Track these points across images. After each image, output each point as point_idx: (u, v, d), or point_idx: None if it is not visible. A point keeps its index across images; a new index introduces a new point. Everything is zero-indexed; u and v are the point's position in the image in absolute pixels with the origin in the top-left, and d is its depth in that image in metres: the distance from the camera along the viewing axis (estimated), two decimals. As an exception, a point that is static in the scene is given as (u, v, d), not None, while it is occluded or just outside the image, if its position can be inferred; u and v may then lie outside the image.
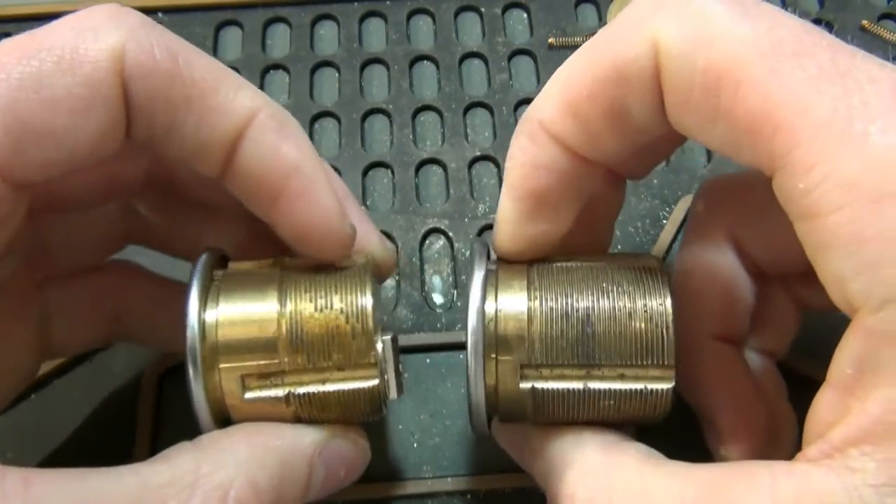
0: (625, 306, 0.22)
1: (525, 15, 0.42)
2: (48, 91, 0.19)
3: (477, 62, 0.40)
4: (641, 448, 0.21)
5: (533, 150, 0.22)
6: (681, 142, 0.25)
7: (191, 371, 0.22)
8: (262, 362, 0.22)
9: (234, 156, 0.22)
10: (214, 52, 0.41)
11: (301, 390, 0.22)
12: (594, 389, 0.22)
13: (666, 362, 0.22)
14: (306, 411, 0.23)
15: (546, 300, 0.22)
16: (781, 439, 0.25)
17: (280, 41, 0.41)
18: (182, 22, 0.41)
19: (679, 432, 0.24)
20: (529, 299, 0.23)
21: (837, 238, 0.17)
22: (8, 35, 0.41)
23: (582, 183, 0.23)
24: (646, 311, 0.22)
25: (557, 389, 0.22)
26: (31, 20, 0.41)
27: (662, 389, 0.22)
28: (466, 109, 0.38)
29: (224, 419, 0.23)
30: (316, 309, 0.23)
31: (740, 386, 0.25)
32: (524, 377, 0.22)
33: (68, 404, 0.31)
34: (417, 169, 0.37)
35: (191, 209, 0.27)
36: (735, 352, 0.26)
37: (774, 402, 0.26)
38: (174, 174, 0.26)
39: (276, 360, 0.22)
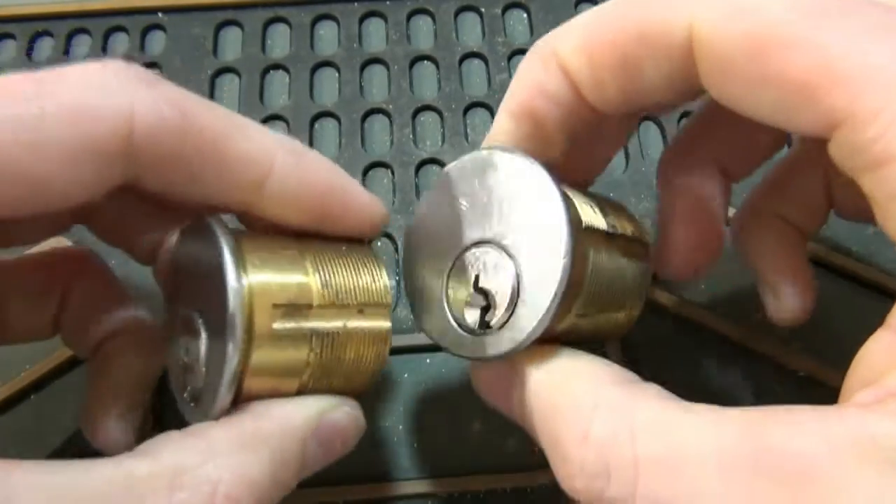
0: None
1: (525, 15, 0.42)
2: (43, 136, 0.19)
3: (477, 62, 0.40)
4: (658, 388, 0.20)
5: (542, 75, 0.22)
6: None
7: (238, 316, 0.21)
8: (293, 295, 0.22)
9: (265, 190, 0.22)
10: (214, 52, 0.41)
11: (325, 327, 0.23)
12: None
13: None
14: (320, 364, 0.23)
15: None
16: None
17: (280, 41, 0.41)
18: (182, 22, 0.41)
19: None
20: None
21: None
22: (9, 35, 0.41)
23: (576, 122, 0.23)
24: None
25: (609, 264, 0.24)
26: (32, 20, 0.41)
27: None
28: (466, 109, 0.39)
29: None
30: (338, 255, 0.24)
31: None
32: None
33: (68, 404, 0.31)
34: (417, 169, 0.37)
35: (152, 212, 0.26)
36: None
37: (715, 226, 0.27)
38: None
39: (308, 295, 0.23)
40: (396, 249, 0.35)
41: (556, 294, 0.21)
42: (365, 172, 0.37)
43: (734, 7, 0.19)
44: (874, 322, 0.18)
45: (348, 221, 0.24)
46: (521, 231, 0.22)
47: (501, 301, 0.23)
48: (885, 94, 0.17)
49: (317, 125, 0.38)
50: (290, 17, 0.41)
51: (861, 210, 0.19)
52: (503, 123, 0.24)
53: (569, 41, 0.22)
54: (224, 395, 0.21)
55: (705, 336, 0.32)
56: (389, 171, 0.37)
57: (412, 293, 0.25)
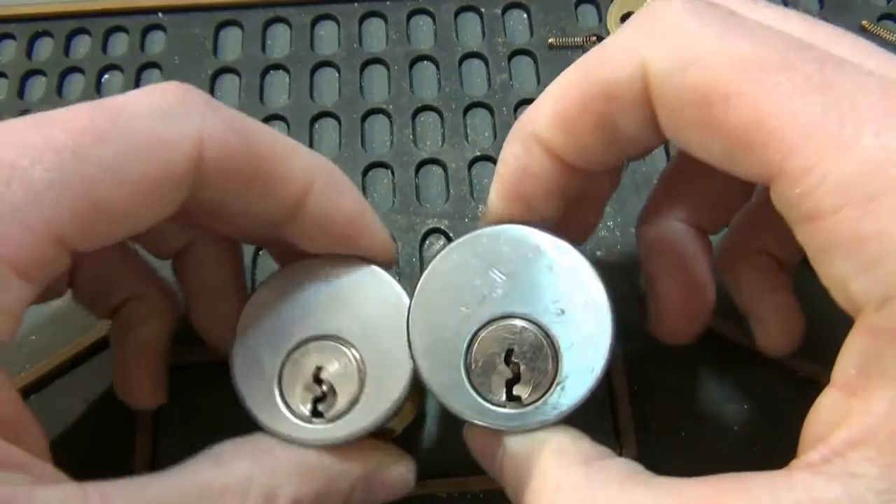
0: None
1: (525, 15, 0.42)
2: (123, 175, 0.20)
3: (477, 62, 0.40)
4: (624, 464, 0.21)
5: (525, 159, 0.23)
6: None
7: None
8: None
9: (300, 210, 0.23)
10: (214, 52, 0.41)
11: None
12: None
13: None
14: (402, 413, 0.26)
15: None
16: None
17: (280, 41, 0.41)
18: (182, 22, 0.41)
19: (674, 443, 0.24)
20: None
21: (837, 239, 0.17)
22: (9, 35, 0.41)
23: (569, 186, 0.24)
24: None
25: None
26: (32, 20, 0.41)
27: None
28: (466, 109, 0.38)
29: None
30: None
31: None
32: None
33: (68, 404, 0.31)
34: (417, 169, 0.37)
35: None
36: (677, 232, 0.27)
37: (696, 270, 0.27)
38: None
39: None
40: (397, 250, 0.35)
41: (595, 383, 0.23)
42: (365, 172, 0.37)
43: (681, 59, 0.19)
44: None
45: (364, 250, 0.25)
46: (565, 318, 0.23)
47: (539, 381, 0.23)
48: (814, 153, 0.17)
49: (317, 125, 0.38)
50: (290, 17, 0.41)
51: None
52: (496, 206, 0.25)
53: (543, 119, 0.23)
54: (373, 427, 0.24)
55: (705, 337, 0.32)
56: (389, 171, 0.37)
57: (419, 347, 0.24)
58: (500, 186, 0.24)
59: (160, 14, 0.41)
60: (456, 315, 0.24)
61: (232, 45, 0.41)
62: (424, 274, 0.24)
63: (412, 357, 0.24)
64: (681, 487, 0.18)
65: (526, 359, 0.23)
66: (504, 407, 0.23)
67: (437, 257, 0.24)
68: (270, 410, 0.24)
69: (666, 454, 0.20)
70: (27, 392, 0.31)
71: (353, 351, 0.25)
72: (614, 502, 0.19)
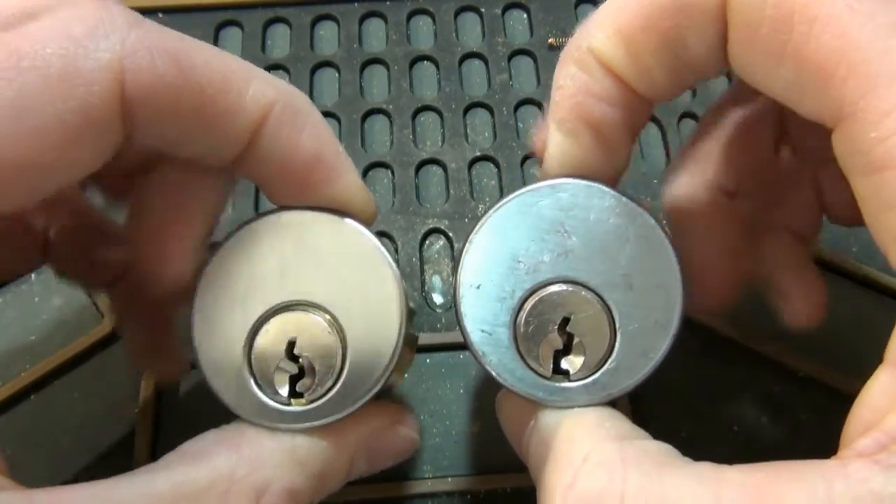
0: None
1: (525, 15, 0.42)
2: (35, 120, 0.17)
3: (477, 62, 0.40)
4: (663, 446, 0.19)
5: (584, 78, 0.20)
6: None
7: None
8: (408, 302, 0.23)
9: (250, 149, 0.20)
10: (214, 52, 0.41)
11: (410, 331, 0.23)
12: None
13: None
14: (398, 364, 0.23)
15: None
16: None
17: (280, 41, 0.41)
18: (182, 22, 0.41)
19: (674, 443, 0.23)
20: None
21: None
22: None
23: (634, 117, 0.21)
24: None
25: None
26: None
27: None
28: (466, 109, 0.38)
29: None
30: None
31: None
32: None
33: (68, 404, 0.31)
34: (417, 169, 0.37)
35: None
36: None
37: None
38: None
39: (409, 302, 0.23)
40: (397, 250, 0.35)
41: (651, 370, 0.21)
42: (365, 172, 0.37)
43: None
44: (873, 322, 0.18)
45: (329, 198, 0.22)
46: (632, 295, 0.21)
47: (590, 358, 0.21)
48: None
49: (317, 125, 0.38)
50: (290, 17, 0.41)
51: (851, 217, 0.18)
52: (560, 143, 0.21)
53: (601, 35, 0.20)
54: (370, 397, 0.22)
55: (706, 336, 0.32)
56: (389, 172, 0.37)
57: (464, 296, 0.22)
58: (560, 118, 0.21)
59: (160, 14, 0.41)
60: (512, 269, 0.21)
61: (232, 45, 0.41)
62: (486, 218, 0.22)
63: (455, 306, 0.22)
64: (724, 474, 0.17)
65: (581, 332, 0.21)
66: (548, 379, 0.21)
67: (502, 202, 0.22)
68: (245, 396, 0.21)
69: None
70: (27, 392, 0.31)
71: (329, 318, 0.22)
72: (648, 483, 0.17)
